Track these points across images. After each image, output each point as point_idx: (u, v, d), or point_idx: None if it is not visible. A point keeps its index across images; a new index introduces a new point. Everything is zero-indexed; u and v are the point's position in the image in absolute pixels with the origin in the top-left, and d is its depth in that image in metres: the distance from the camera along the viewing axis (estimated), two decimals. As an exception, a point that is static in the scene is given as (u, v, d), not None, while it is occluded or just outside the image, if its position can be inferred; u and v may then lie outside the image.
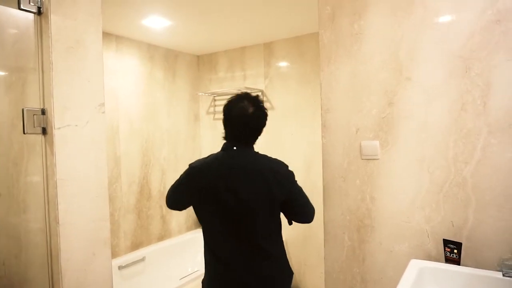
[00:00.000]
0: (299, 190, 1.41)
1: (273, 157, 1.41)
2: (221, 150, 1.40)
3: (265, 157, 1.40)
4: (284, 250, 1.47)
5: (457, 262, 1.33)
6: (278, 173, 1.34)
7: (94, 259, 1.31)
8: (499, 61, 1.29)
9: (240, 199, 1.30)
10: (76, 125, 1.26)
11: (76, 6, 1.27)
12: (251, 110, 1.35)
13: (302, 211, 1.40)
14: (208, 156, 1.41)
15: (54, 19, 1.20)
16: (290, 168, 1.40)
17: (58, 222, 1.21)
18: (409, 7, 1.46)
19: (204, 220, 1.41)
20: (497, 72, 1.29)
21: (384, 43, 1.52)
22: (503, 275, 1.08)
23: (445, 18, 1.40)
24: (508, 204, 1.28)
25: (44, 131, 1.22)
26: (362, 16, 1.57)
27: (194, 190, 1.36)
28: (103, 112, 1.36)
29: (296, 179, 1.40)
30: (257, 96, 1.45)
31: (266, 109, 1.43)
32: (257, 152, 1.41)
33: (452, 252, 1.34)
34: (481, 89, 1.33)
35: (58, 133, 1.21)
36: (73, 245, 1.25)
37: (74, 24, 1.26)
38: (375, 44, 1.55)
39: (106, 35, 2.68)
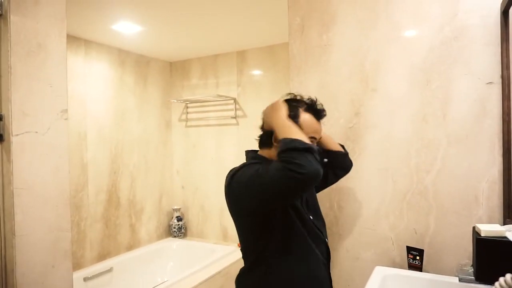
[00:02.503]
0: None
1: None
2: None
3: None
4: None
5: (419, 268, 1.37)
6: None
7: (53, 271, 1.25)
8: (456, 74, 1.36)
9: None
10: (36, 132, 1.21)
11: (39, 8, 1.23)
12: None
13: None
14: None
15: (14, 21, 1.15)
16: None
17: (14, 234, 1.15)
18: (375, 21, 1.51)
19: None
20: (455, 85, 1.36)
21: (351, 54, 1.57)
22: (459, 280, 1.12)
23: (407, 33, 1.46)
24: (465, 211, 1.34)
25: (0, 138, 1.16)
26: (331, 28, 1.61)
27: None
28: (66, 119, 1.31)
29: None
30: (308, 99, 1.16)
31: (292, 101, 1.14)
32: (252, 158, 1.20)
33: (415, 258, 1.38)
34: (440, 101, 1.39)
35: (16, 140, 1.16)
36: (30, 258, 1.19)
37: (36, 27, 1.22)
38: (342, 56, 1.59)
39: (75, 39, 2.61)
